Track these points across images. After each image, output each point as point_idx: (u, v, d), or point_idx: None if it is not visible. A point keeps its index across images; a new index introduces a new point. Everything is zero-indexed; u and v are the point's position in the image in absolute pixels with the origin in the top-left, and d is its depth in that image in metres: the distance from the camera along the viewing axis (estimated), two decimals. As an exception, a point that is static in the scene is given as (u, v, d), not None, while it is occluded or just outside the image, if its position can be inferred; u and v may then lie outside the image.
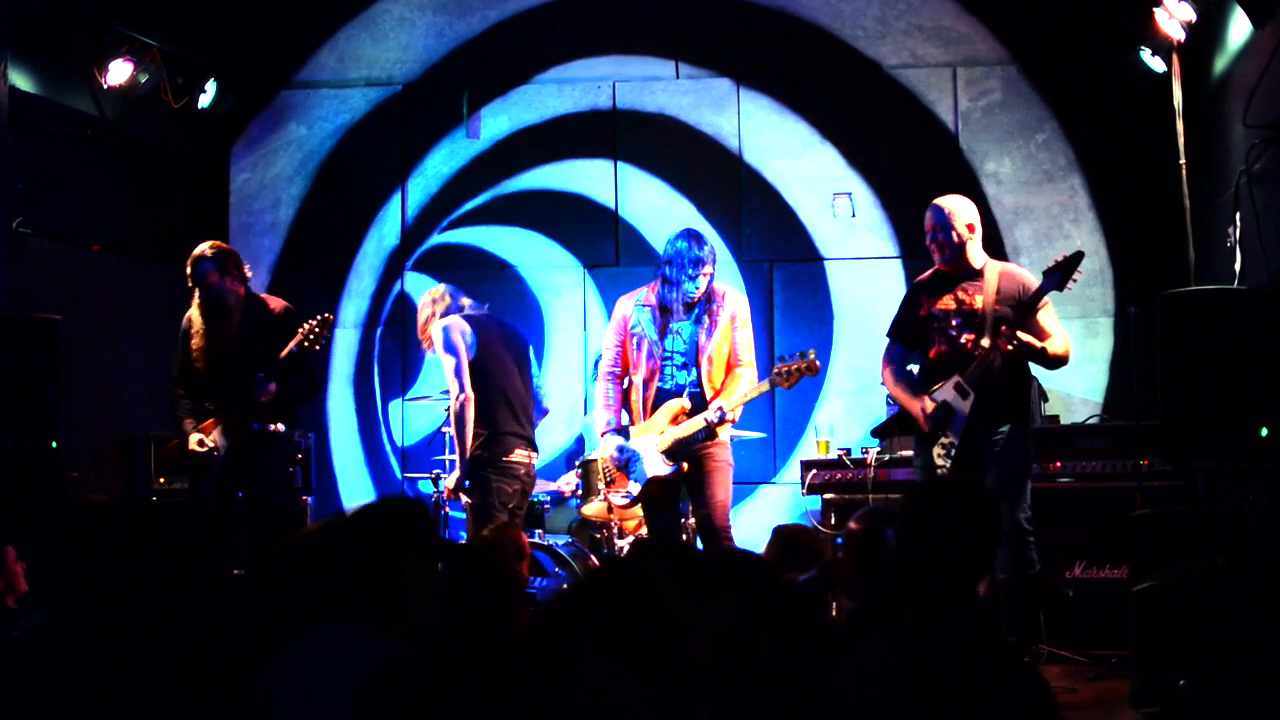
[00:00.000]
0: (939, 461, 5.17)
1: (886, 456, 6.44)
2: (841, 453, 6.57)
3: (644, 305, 5.67)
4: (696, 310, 5.56)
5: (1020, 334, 5.09)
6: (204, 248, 5.88)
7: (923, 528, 2.64)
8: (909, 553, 2.64)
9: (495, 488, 5.80)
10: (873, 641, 2.50)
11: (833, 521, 6.39)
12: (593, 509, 6.45)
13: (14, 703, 2.37)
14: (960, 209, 5.31)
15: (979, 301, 5.22)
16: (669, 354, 5.58)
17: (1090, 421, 6.66)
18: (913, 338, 5.44)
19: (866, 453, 6.48)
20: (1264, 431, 4.68)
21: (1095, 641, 5.69)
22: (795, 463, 7.01)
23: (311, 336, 5.71)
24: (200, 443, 5.77)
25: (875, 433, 5.82)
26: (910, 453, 6.41)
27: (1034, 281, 5.28)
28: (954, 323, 5.25)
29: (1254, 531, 2.53)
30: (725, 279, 6.93)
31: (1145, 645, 4.58)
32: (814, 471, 6.53)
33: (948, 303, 5.29)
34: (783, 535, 3.96)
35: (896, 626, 2.52)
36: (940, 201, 5.35)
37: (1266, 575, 2.45)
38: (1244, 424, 4.73)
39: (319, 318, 5.75)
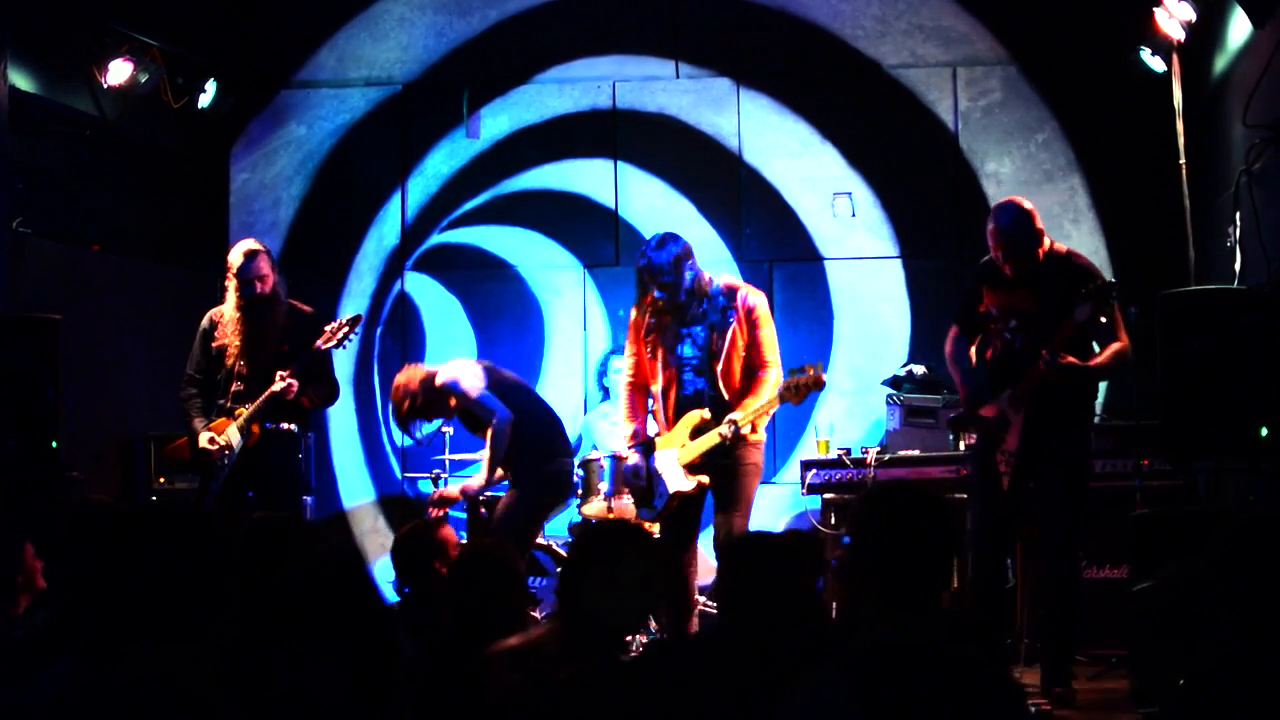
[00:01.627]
0: (1002, 469, 5.02)
1: (886, 456, 6.44)
2: (841, 453, 6.56)
3: (651, 313, 5.57)
4: (707, 313, 5.41)
5: (1064, 359, 4.85)
6: (252, 244, 5.85)
7: (868, 537, 2.43)
8: (855, 563, 2.42)
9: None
10: (819, 670, 2.32)
11: (833, 521, 6.39)
12: (593, 509, 6.45)
13: (15, 703, 2.37)
14: (1035, 211, 5.04)
15: (1033, 305, 5.01)
16: (683, 360, 5.47)
17: (1090, 421, 6.66)
18: (974, 330, 5.27)
19: (866, 452, 6.48)
20: (1264, 431, 4.68)
21: (1095, 641, 5.69)
22: (795, 463, 7.00)
23: (341, 334, 5.74)
24: (212, 440, 5.72)
25: (952, 423, 5.76)
26: (915, 452, 6.44)
27: (1093, 270, 5.14)
28: (1011, 324, 5.07)
29: (1234, 529, 2.51)
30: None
31: (1145, 645, 4.58)
32: (814, 471, 6.52)
33: (1005, 302, 5.09)
34: None
35: (841, 653, 2.32)
36: (1013, 205, 5.05)
37: (1240, 573, 2.43)
38: (1244, 424, 4.74)
39: (349, 317, 5.79)
